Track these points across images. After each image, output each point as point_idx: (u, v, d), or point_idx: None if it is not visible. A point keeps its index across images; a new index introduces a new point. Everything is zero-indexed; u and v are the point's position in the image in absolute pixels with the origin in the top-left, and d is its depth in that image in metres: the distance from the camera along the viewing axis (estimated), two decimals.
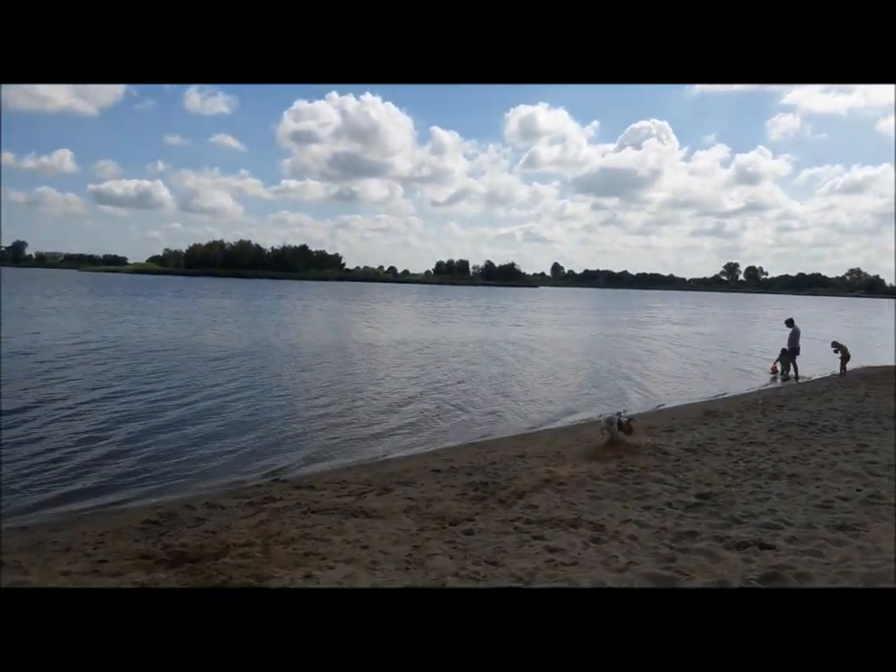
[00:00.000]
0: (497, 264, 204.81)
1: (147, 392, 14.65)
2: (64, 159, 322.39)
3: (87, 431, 10.97)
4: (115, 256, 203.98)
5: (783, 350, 20.57)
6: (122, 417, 12.10)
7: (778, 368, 20.59)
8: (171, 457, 9.75)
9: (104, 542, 5.97)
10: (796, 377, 19.76)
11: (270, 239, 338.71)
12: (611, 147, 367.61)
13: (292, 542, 5.60)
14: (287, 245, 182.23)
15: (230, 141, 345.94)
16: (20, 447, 9.78)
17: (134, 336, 25.82)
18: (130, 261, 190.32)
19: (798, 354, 20.15)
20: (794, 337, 20.11)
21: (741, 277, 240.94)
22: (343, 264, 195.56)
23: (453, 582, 4.59)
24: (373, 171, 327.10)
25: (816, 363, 22.05)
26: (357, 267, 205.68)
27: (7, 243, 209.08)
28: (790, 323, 20.47)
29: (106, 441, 10.41)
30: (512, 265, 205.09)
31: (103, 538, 6.12)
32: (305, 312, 48.57)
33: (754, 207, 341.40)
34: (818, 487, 7.17)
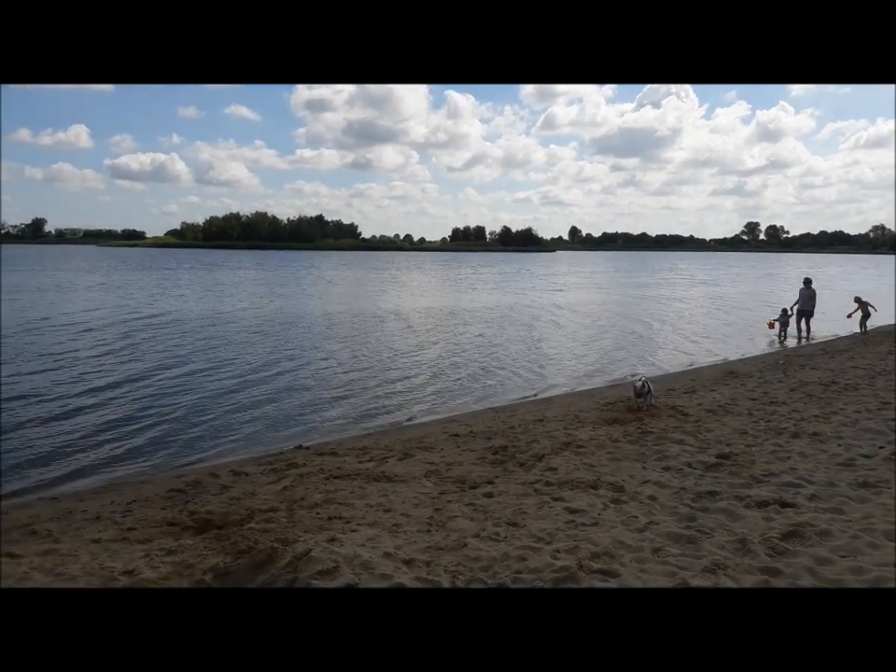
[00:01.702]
0: (514, 229, 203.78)
1: (179, 364, 14.82)
2: (80, 134, 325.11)
3: (116, 404, 11.16)
4: (133, 230, 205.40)
5: (784, 310, 20.14)
6: (153, 389, 12.30)
7: (776, 326, 20.01)
8: (197, 427, 9.91)
9: (131, 511, 6.10)
10: (807, 338, 19.34)
11: (286, 210, 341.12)
12: (630, 106, 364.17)
13: (316, 507, 5.69)
14: (303, 215, 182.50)
15: (244, 111, 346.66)
16: (49, 420, 9.99)
17: (175, 310, 26.06)
18: (148, 235, 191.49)
19: (812, 316, 19.63)
20: (811, 298, 19.49)
21: (762, 237, 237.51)
22: (360, 233, 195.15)
23: (474, 543, 4.65)
24: (388, 137, 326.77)
25: (839, 321, 21.73)
26: (374, 236, 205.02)
27: (26, 220, 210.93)
28: (808, 283, 19.69)
29: (134, 413, 10.59)
30: (529, 230, 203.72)
31: (130, 506, 6.26)
32: (333, 282, 48.59)
33: (776, 165, 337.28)
34: (839, 445, 7.13)
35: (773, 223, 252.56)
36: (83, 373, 13.50)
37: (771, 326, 20.17)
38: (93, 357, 15.50)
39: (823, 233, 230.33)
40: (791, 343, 19.19)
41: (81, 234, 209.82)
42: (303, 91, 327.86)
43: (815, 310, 19.75)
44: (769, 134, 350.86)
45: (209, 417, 10.43)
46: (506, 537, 4.82)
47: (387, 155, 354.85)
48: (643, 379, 9.70)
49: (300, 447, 8.76)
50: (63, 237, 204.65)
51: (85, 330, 19.65)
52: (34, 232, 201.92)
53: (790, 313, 19.89)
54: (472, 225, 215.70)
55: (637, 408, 9.36)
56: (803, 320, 19.67)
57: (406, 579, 3.99)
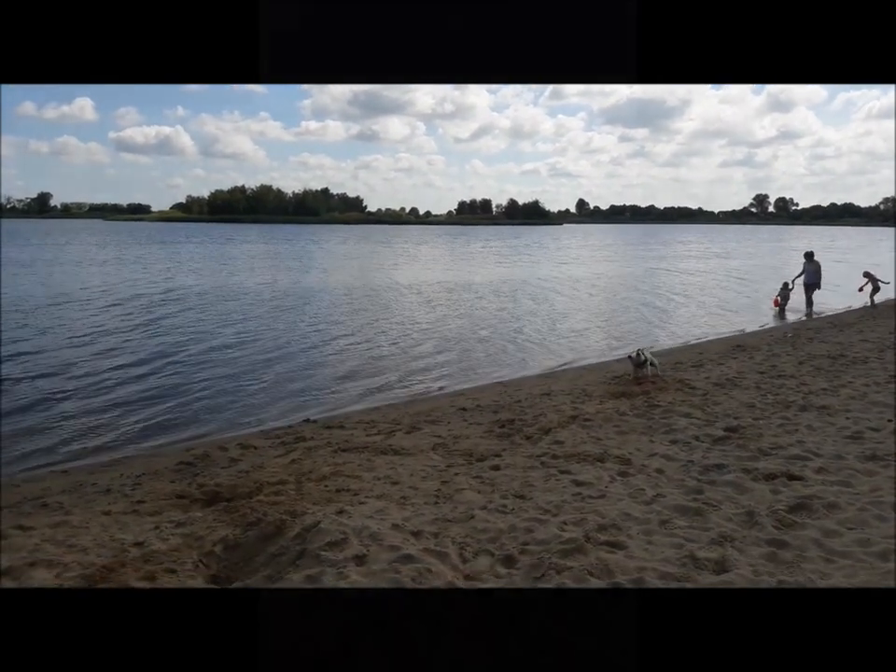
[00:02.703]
0: (520, 202, 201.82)
1: (194, 340, 14.84)
2: (85, 107, 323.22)
3: (129, 379, 11.22)
4: (139, 204, 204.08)
5: (784, 283, 20.00)
6: (167, 365, 12.36)
7: (780, 301, 19.89)
8: (206, 400, 9.95)
9: (141, 484, 6.15)
10: (810, 313, 19.09)
11: (291, 183, 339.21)
12: None
13: (324, 479, 5.71)
14: (308, 188, 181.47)
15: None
16: (57, 393, 10.05)
17: (192, 284, 26.11)
18: (153, 209, 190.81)
19: (818, 289, 19.38)
20: (816, 272, 19.24)
21: (771, 209, 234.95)
22: (365, 206, 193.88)
23: (481, 515, 4.67)
24: (394, 108, 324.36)
25: (848, 294, 21.56)
26: (379, 209, 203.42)
27: (32, 194, 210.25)
28: (809, 256, 19.41)
29: (142, 388, 10.64)
30: (536, 203, 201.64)
31: (140, 479, 6.31)
32: (347, 256, 48.46)
33: (787, 135, 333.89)
34: (847, 418, 7.10)
35: (783, 195, 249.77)
36: (99, 350, 13.54)
37: (776, 304, 20.08)
38: (108, 333, 15.54)
39: (833, 206, 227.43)
40: (797, 316, 19.04)
41: (87, 208, 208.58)
42: None
43: (821, 282, 19.47)
44: (780, 104, 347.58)
45: (219, 392, 10.48)
46: (513, 509, 4.84)
47: (393, 126, 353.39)
48: (638, 349, 9.70)
49: (307, 421, 8.81)
50: (68, 211, 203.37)
51: (102, 307, 19.68)
52: (39, 207, 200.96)
53: (790, 287, 19.74)
54: (479, 198, 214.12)
55: (640, 380, 9.35)
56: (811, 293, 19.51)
57: (414, 550, 4.01)
